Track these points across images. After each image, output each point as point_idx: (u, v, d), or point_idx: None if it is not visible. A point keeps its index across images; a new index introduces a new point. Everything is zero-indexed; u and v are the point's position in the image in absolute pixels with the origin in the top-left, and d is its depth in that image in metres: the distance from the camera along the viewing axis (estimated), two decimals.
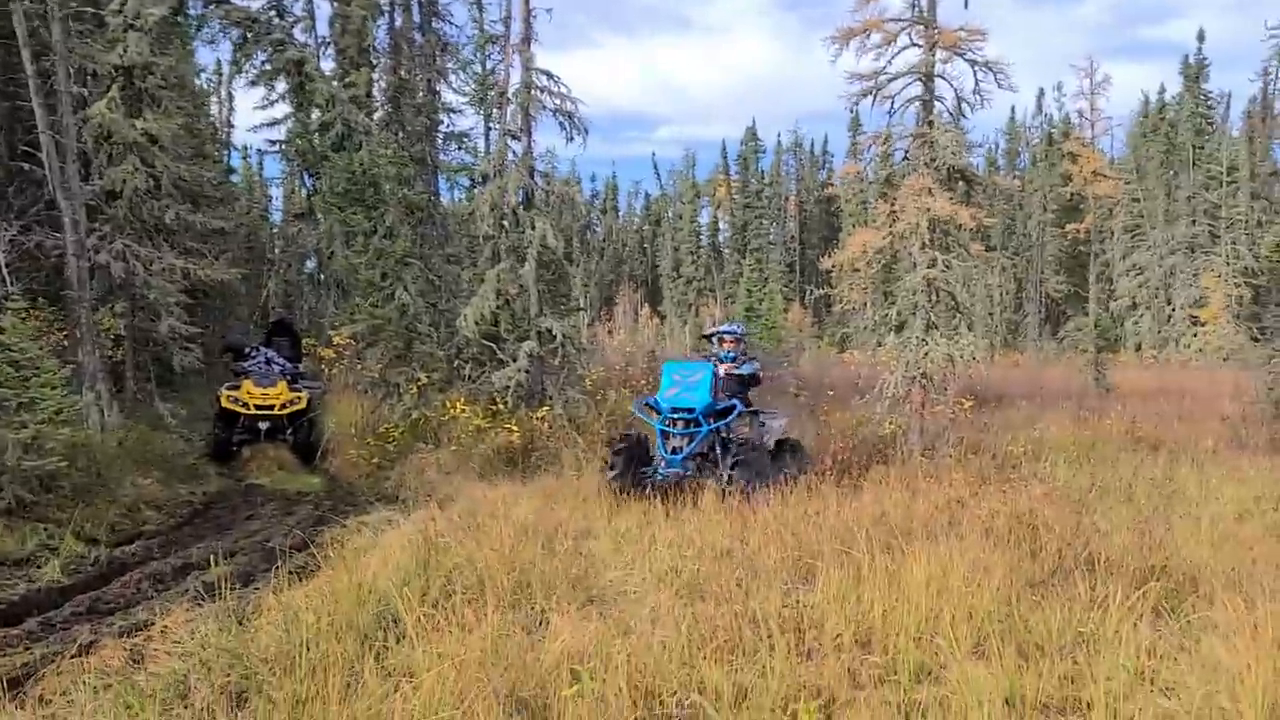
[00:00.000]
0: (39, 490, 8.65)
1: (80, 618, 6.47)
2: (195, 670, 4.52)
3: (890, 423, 12.14)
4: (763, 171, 65.99)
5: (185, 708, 4.11)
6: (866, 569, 5.75)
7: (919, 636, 4.92)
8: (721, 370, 9.89)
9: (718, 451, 9.51)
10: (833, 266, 13.63)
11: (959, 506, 7.89)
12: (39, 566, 7.70)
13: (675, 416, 9.38)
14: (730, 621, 5.00)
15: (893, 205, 12.44)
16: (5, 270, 8.85)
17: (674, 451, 9.27)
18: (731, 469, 9.00)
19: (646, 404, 9.96)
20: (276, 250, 23.72)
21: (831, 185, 61.70)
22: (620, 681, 4.06)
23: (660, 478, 9.24)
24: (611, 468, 9.32)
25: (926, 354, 11.78)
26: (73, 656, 5.02)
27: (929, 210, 11.74)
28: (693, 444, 9.30)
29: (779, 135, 78.50)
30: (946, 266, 11.84)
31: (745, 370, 10.15)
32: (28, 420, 8.29)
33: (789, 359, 22.49)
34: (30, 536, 8.22)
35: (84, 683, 4.36)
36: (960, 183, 12.74)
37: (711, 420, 9.46)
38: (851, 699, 4.37)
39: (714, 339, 10.61)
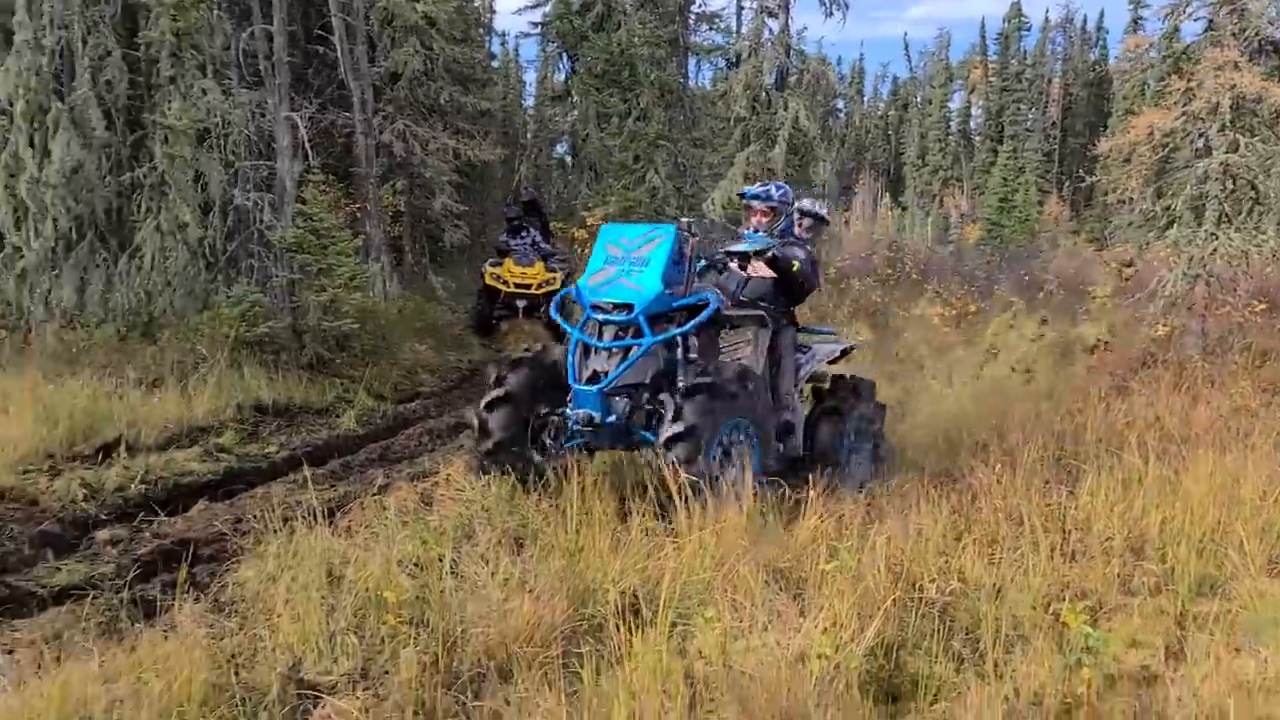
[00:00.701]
0: (335, 349, 9.63)
1: (374, 463, 7.26)
2: (478, 515, 4.96)
3: (1164, 324, 11.15)
4: (1025, 51, 60.53)
5: (471, 546, 4.52)
6: (1140, 474, 5.40)
7: (1202, 548, 4.59)
8: (750, 267, 5.87)
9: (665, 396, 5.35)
10: (1108, 151, 12.49)
11: (1249, 416, 7.21)
12: (337, 416, 8.65)
13: (602, 319, 5.28)
14: (990, 515, 4.88)
15: (1189, 82, 11.13)
16: (307, 145, 9.70)
17: (591, 380, 5.23)
18: (675, 422, 4.92)
19: (565, 297, 6.12)
20: (529, 134, 24.50)
21: (1103, 66, 55.84)
22: (879, 563, 4.07)
23: (566, 444, 5.45)
24: (482, 434, 5.45)
25: (1215, 249, 10.64)
26: (372, 495, 5.61)
27: (1233, 87, 10.43)
28: (622, 365, 5.17)
29: (1047, 11, 71.73)
30: (1249, 151, 10.55)
31: (787, 258, 5.73)
32: (326, 285, 9.18)
33: (1040, 255, 21.13)
34: (329, 390, 9.23)
35: (386, 519, 4.89)
36: (1274, 56, 11.24)
37: (664, 327, 5.32)
38: (1121, 605, 4.16)
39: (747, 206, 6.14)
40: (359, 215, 12.74)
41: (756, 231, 5.89)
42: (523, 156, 23.64)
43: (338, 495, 6.10)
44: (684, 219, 5.45)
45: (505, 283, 13.81)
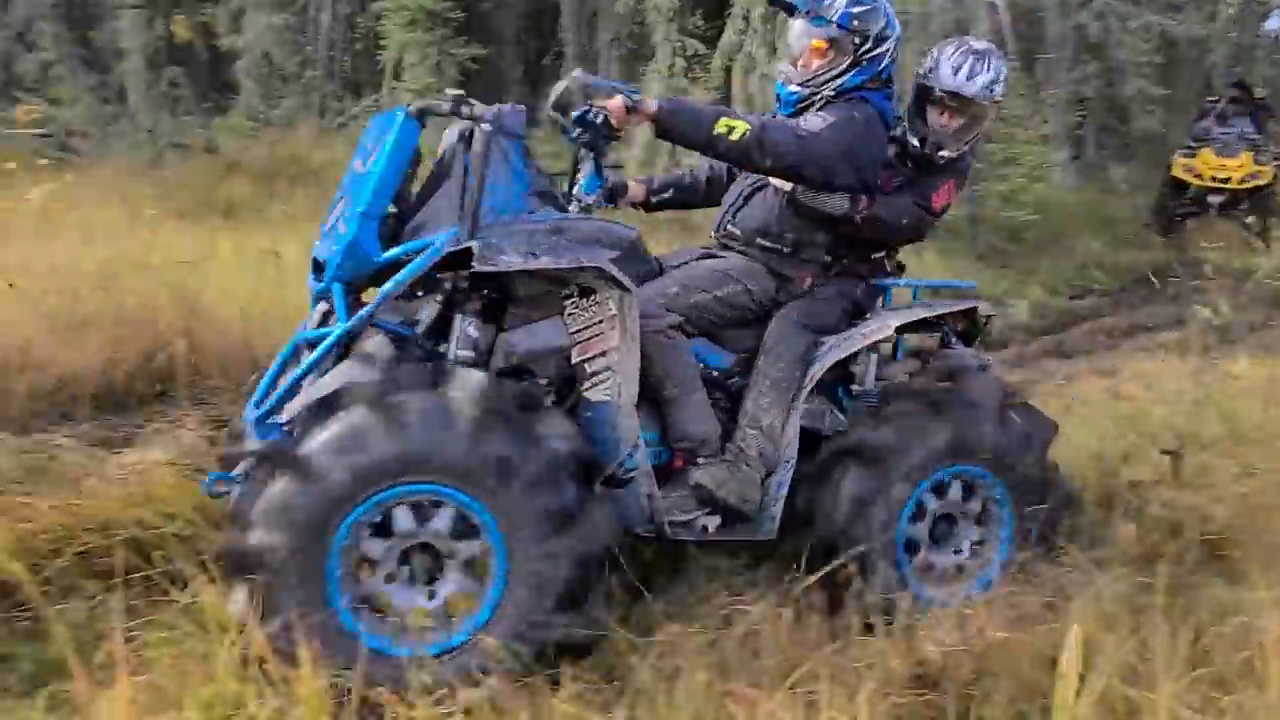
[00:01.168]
0: (1009, 240, 9.69)
1: (1048, 355, 7.30)
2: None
3: None
4: None
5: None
6: None
7: None
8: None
9: None
10: None
11: None
12: (1009, 307, 8.77)
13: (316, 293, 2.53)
14: None
15: None
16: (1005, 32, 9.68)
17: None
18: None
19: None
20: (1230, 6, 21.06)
21: None
22: None
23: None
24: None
25: None
26: (1057, 384, 5.70)
27: None
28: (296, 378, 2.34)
29: None
30: None
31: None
32: (1009, 174, 9.22)
33: None
34: (999, 280, 9.37)
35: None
36: None
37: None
38: None
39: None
40: (1046, 102, 12.35)
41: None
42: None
43: (1015, 382, 6.29)
44: (449, 91, 2.39)
45: (1198, 175, 12.41)
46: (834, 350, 2.72)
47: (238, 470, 2.28)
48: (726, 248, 2.86)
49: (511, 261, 2.19)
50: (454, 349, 2.33)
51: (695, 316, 2.64)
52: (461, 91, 2.35)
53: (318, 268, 2.46)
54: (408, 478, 2.06)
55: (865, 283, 2.91)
